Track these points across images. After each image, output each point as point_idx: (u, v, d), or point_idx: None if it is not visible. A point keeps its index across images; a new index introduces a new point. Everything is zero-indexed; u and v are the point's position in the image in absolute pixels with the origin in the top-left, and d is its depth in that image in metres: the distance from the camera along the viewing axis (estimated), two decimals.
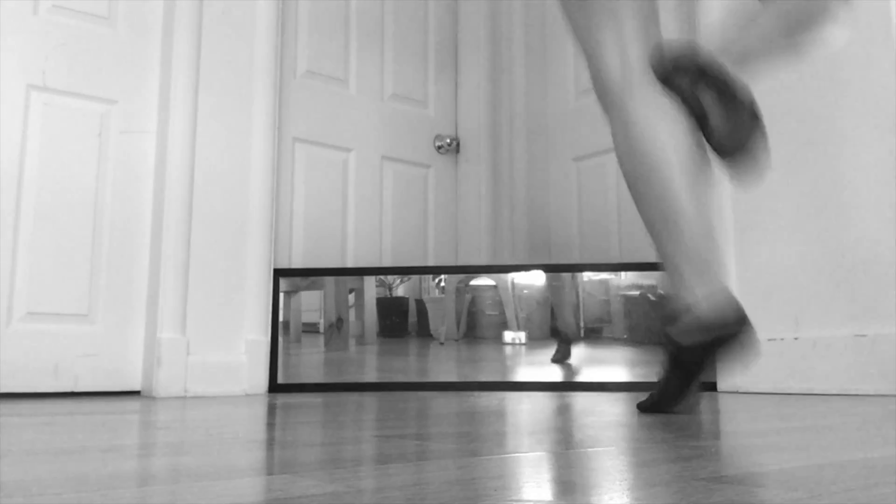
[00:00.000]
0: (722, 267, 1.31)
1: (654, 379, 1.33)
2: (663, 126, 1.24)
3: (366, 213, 2.79)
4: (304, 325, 2.41)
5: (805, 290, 1.99)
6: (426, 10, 3.08)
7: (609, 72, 1.32)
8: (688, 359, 1.25)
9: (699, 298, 1.21)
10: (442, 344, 2.38)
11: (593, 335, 2.32)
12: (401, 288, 2.45)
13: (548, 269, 2.39)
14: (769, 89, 2.10)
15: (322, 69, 2.73)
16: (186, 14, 2.20)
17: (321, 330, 2.41)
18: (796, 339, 1.98)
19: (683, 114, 1.23)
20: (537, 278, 2.38)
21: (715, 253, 1.24)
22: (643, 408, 1.34)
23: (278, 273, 2.38)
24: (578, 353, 2.31)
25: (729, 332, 1.19)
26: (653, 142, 1.24)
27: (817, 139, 2.00)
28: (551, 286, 2.36)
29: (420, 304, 2.42)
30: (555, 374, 2.29)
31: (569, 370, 2.29)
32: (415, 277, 2.45)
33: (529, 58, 3.09)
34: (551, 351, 2.32)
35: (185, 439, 0.93)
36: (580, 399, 1.79)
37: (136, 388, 2.12)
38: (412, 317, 2.42)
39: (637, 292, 2.31)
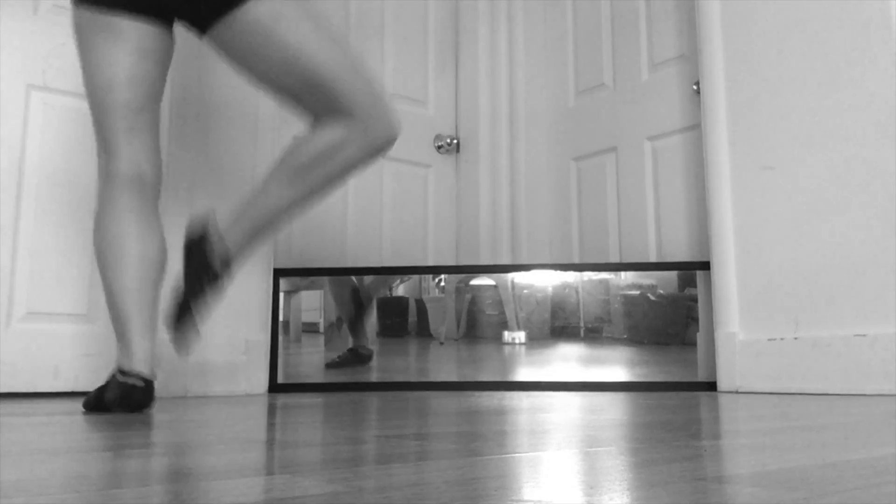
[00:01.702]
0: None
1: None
2: (130, 229, 1.51)
3: (366, 213, 2.79)
4: (304, 324, 2.41)
5: (805, 290, 1.99)
6: (426, 10, 3.08)
7: (100, 160, 1.55)
8: None
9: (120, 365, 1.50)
10: (442, 344, 2.38)
11: (593, 335, 2.32)
12: (401, 288, 2.45)
13: (548, 269, 2.39)
14: (769, 88, 2.10)
15: None
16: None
17: (321, 330, 2.41)
18: (796, 339, 1.98)
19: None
20: (537, 278, 2.38)
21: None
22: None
23: (278, 273, 2.38)
24: (579, 352, 2.31)
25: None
26: (120, 245, 1.50)
27: (817, 139, 2.00)
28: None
29: (420, 303, 2.42)
30: (555, 374, 2.29)
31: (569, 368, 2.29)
32: (415, 277, 2.45)
33: (529, 58, 3.09)
34: (551, 351, 2.33)
35: (185, 439, 0.93)
36: (580, 399, 1.79)
37: None
38: (412, 317, 2.42)
39: (637, 292, 2.31)
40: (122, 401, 1.41)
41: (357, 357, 2.38)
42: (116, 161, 1.51)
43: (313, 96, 1.49)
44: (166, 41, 1.55)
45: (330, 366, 2.37)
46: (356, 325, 2.39)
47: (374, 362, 2.38)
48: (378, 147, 1.52)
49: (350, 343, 2.39)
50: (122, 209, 1.51)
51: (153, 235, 1.53)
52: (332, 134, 1.49)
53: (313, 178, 1.50)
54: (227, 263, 1.54)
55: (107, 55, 1.48)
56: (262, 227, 1.54)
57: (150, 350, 1.49)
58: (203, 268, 1.52)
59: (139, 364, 1.46)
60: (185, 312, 1.54)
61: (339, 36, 1.56)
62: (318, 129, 1.51)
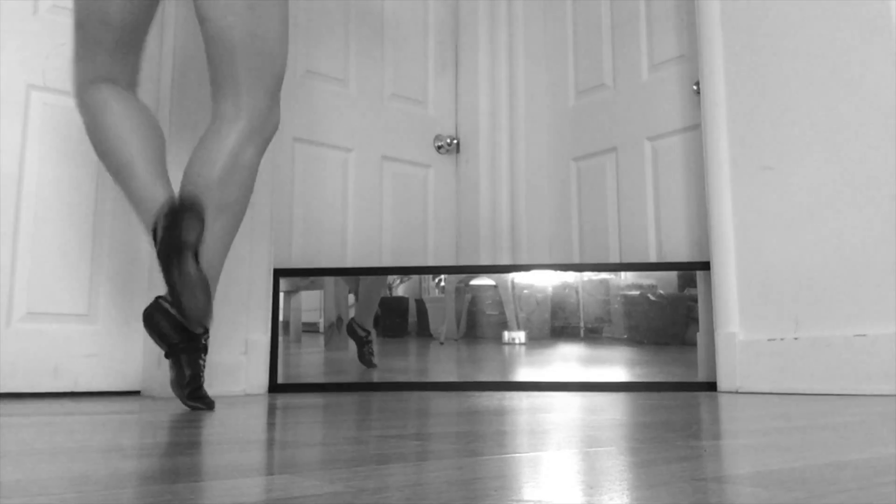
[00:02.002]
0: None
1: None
2: (119, 115, 1.53)
3: (366, 213, 2.79)
4: (304, 324, 2.41)
5: (805, 290, 1.99)
6: (426, 10, 3.08)
7: (80, 76, 1.57)
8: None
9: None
10: (442, 344, 2.38)
11: (593, 335, 2.32)
12: (401, 288, 2.45)
13: (548, 269, 2.39)
14: (769, 88, 2.10)
15: (322, 69, 2.73)
16: (185, 12, 2.20)
17: (321, 330, 2.41)
18: (796, 339, 1.98)
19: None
20: (537, 278, 2.38)
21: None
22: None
23: (278, 273, 2.38)
24: (579, 352, 2.31)
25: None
26: (112, 131, 1.52)
27: (817, 139, 2.00)
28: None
29: (420, 303, 2.42)
30: (555, 374, 2.29)
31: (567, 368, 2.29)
32: (415, 277, 2.45)
33: (529, 58, 3.09)
34: (551, 351, 2.33)
35: (184, 439, 0.93)
36: (580, 399, 1.79)
37: (136, 388, 2.12)
38: (412, 317, 2.42)
39: (637, 292, 2.31)
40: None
41: (352, 332, 2.38)
42: (102, 70, 1.56)
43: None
44: None
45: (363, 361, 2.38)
46: (364, 303, 2.41)
47: (375, 362, 2.38)
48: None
49: (350, 316, 2.39)
50: (112, 99, 1.53)
51: (149, 114, 1.57)
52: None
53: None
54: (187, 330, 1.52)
55: None
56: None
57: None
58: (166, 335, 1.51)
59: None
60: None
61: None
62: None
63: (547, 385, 2.27)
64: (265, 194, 2.30)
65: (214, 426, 1.11)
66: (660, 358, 2.25)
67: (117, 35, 1.55)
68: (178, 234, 1.37)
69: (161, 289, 1.62)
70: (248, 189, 1.57)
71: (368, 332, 2.38)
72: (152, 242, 1.47)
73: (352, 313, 2.40)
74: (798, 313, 1.99)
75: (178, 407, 1.58)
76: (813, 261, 1.98)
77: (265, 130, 1.59)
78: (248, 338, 2.22)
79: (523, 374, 2.31)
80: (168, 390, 2.05)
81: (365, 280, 2.41)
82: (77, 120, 2.11)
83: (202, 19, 1.53)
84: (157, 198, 1.46)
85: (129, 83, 1.60)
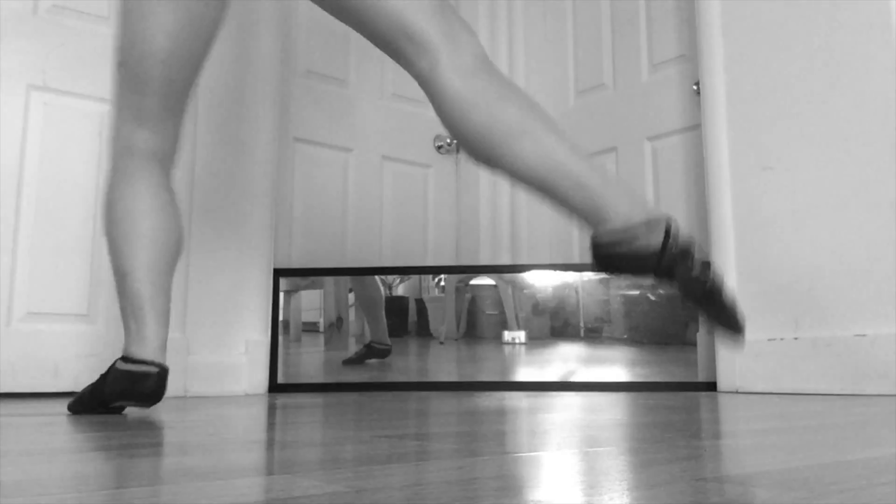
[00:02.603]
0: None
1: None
2: (138, 204, 1.37)
3: (366, 213, 2.79)
4: (304, 324, 2.41)
5: (805, 290, 1.99)
6: None
7: (118, 134, 1.40)
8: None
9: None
10: (442, 343, 2.38)
11: (593, 335, 2.32)
12: (401, 288, 2.45)
13: (548, 268, 2.39)
14: (769, 88, 2.10)
15: (322, 69, 2.73)
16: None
17: (321, 330, 2.41)
18: (796, 339, 1.98)
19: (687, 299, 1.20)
20: (537, 278, 2.38)
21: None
22: (73, 408, 1.39)
23: (278, 273, 2.38)
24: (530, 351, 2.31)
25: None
26: (126, 224, 1.37)
27: (817, 139, 2.00)
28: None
29: (420, 303, 2.42)
30: (555, 374, 2.29)
31: (560, 369, 2.29)
32: (415, 277, 2.45)
33: (529, 58, 3.09)
34: (551, 351, 2.32)
35: (185, 439, 0.93)
36: (580, 399, 1.79)
37: None
38: (412, 316, 2.42)
39: (637, 292, 2.31)
40: (129, 391, 1.28)
41: (373, 352, 2.37)
42: (142, 133, 1.36)
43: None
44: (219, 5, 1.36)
45: (347, 363, 2.36)
46: (374, 320, 2.40)
47: (375, 362, 2.38)
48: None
49: (367, 339, 2.39)
50: (140, 184, 1.35)
51: (173, 214, 1.38)
52: None
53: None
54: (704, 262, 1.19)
55: (154, 19, 1.31)
56: None
57: (164, 338, 1.35)
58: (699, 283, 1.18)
59: (154, 352, 1.32)
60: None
61: None
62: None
63: (547, 385, 2.27)
64: (265, 194, 2.30)
65: (214, 426, 1.11)
66: (660, 358, 2.25)
67: (167, 71, 1.33)
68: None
69: None
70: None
71: (389, 345, 2.37)
72: None
73: (366, 331, 2.40)
74: (798, 313, 1.99)
75: (178, 407, 1.59)
76: (813, 261, 1.98)
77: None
78: (248, 338, 2.22)
79: (523, 374, 2.31)
80: (171, 390, 2.05)
81: (362, 297, 2.41)
82: (77, 120, 2.11)
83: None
84: (150, 337, 1.34)
85: (168, 155, 1.41)
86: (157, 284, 1.36)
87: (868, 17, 1.91)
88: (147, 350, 1.32)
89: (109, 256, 1.41)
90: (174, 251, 1.39)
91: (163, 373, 1.31)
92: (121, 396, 1.29)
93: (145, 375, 1.29)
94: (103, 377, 1.36)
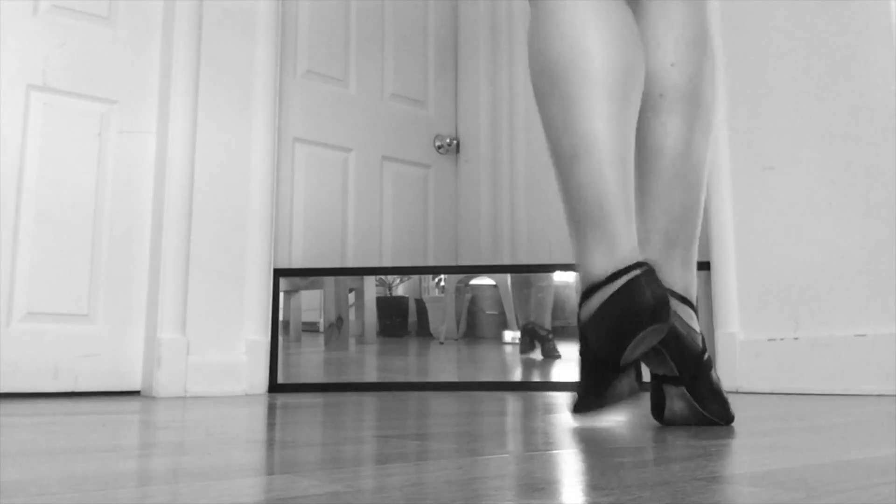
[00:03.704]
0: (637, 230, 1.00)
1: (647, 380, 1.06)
2: (593, 26, 0.95)
3: (366, 213, 2.79)
4: (304, 324, 2.41)
5: (805, 290, 1.99)
6: (426, 10, 3.08)
7: None
8: (595, 351, 0.96)
9: (604, 271, 0.93)
10: (442, 344, 2.38)
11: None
12: (401, 288, 2.45)
13: (548, 269, 2.39)
14: (769, 88, 2.10)
15: (322, 69, 2.73)
16: (186, 14, 2.20)
17: (321, 330, 2.41)
18: (796, 339, 1.98)
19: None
20: (537, 278, 2.38)
21: (629, 208, 0.95)
22: (574, 410, 1.05)
23: (278, 273, 2.38)
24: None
25: (639, 325, 0.91)
26: (574, 43, 0.94)
27: (817, 139, 2.00)
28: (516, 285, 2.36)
29: (420, 303, 2.42)
30: (554, 374, 2.29)
31: (536, 364, 2.29)
32: (415, 277, 2.45)
33: None
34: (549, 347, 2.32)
35: (185, 439, 0.93)
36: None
37: (136, 388, 2.12)
38: (412, 316, 2.42)
39: None
40: (632, 315, 0.90)
41: (539, 339, 2.35)
42: None
43: None
44: None
45: (524, 353, 2.33)
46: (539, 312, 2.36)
47: (375, 362, 2.38)
48: None
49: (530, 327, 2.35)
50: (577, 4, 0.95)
51: (633, 42, 0.96)
52: None
53: None
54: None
55: None
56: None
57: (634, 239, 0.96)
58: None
59: (631, 252, 0.94)
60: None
61: None
62: None
63: (547, 385, 2.27)
64: (265, 194, 2.30)
65: (215, 426, 1.11)
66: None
67: None
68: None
69: None
70: None
71: (549, 331, 2.35)
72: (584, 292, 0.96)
73: (524, 315, 2.36)
74: (798, 313, 1.99)
75: (178, 407, 1.59)
76: (813, 261, 1.98)
77: None
78: (248, 338, 2.22)
79: (523, 374, 2.31)
80: (168, 390, 2.05)
81: (538, 284, 2.38)
82: (77, 120, 2.11)
83: None
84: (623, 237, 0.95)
85: None
86: (623, 159, 0.95)
87: (868, 17, 1.91)
88: (628, 252, 0.94)
89: (545, 120, 0.99)
90: (637, 94, 0.97)
91: (650, 272, 0.92)
92: (623, 330, 0.91)
93: (636, 284, 0.90)
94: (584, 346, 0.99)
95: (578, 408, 1.03)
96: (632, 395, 0.99)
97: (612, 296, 0.92)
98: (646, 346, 0.95)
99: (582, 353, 1.01)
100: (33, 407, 1.56)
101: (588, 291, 0.96)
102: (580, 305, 0.98)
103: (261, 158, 2.30)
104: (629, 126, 0.97)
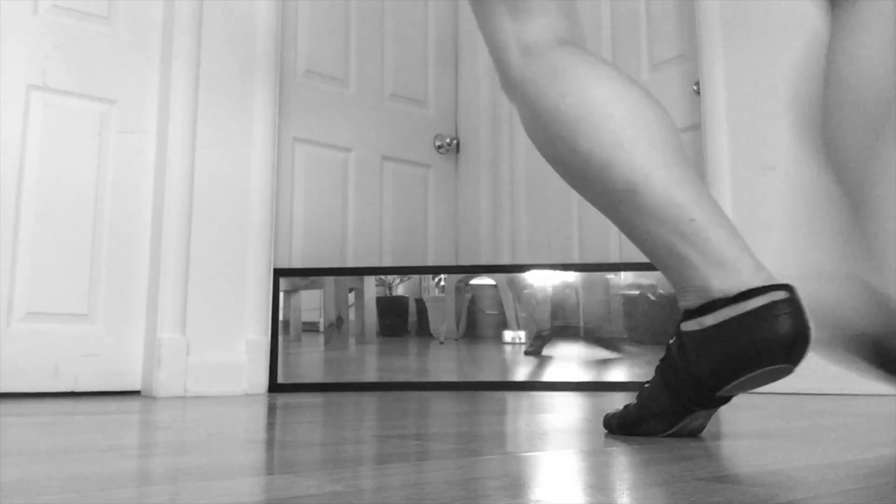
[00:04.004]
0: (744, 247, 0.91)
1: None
2: (587, 77, 0.92)
3: (366, 213, 2.79)
4: (304, 324, 2.41)
5: (805, 289, 1.99)
6: (426, 10, 3.08)
7: (506, 47, 0.97)
8: (690, 382, 0.86)
9: (732, 287, 0.84)
10: (442, 343, 2.38)
11: (593, 335, 2.32)
12: (401, 287, 2.45)
13: (548, 269, 2.39)
14: (769, 88, 2.10)
15: (322, 69, 2.73)
16: (186, 14, 2.20)
17: (321, 330, 2.41)
18: None
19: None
20: (537, 278, 2.38)
21: (726, 219, 0.90)
22: (612, 426, 0.96)
23: (278, 273, 2.38)
24: (554, 349, 2.31)
25: (766, 360, 0.80)
26: (574, 99, 0.91)
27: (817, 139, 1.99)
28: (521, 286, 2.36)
29: (420, 303, 2.42)
30: (554, 374, 2.29)
31: (545, 365, 2.29)
32: (415, 277, 2.45)
33: None
34: (551, 351, 2.32)
35: (185, 439, 0.93)
36: (580, 399, 1.79)
37: (136, 388, 2.12)
38: (412, 316, 2.42)
39: (637, 292, 2.31)
40: (768, 344, 0.80)
41: (544, 340, 2.35)
42: (532, 26, 0.95)
43: None
44: None
45: (528, 354, 2.33)
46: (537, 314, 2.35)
47: (375, 362, 2.38)
48: None
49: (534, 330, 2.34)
50: (585, 64, 0.92)
51: (647, 95, 0.93)
52: None
53: None
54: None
55: None
56: None
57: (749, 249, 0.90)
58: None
59: (761, 274, 0.88)
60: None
61: None
62: None
63: (547, 385, 2.27)
64: (265, 194, 2.30)
65: (215, 426, 1.11)
66: (660, 358, 2.25)
67: None
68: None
69: None
70: None
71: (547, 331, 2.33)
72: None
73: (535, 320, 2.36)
74: None
75: (178, 407, 1.59)
76: (812, 261, 1.98)
77: None
78: (248, 338, 2.22)
79: (523, 374, 2.31)
80: (168, 390, 2.06)
81: (536, 284, 2.38)
82: (77, 120, 2.11)
83: None
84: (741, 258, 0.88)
85: (581, 37, 0.98)
86: (690, 177, 0.90)
87: None
88: (754, 273, 0.87)
89: (580, 178, 0.93)
90: (678, 142, 0.93)
91: (794, 294, 0.87)
92: (743, 360, 0.81)
93: (776, 308, 0.82)
94: (670, 364, 0.90)
95: (628, 428, 0.93)
96: (695, 432, 0.91)
97: (739, 317, 0.81)
98: (759, 384, 0.82)
99: (670, 369, 0.89)
100: (33, 407, 1.56)
101: (707, 307, 0.84)
102: (688, 316, 0.87)
103: (261, 158, 2.30)
104: (683, 156, 0.92)
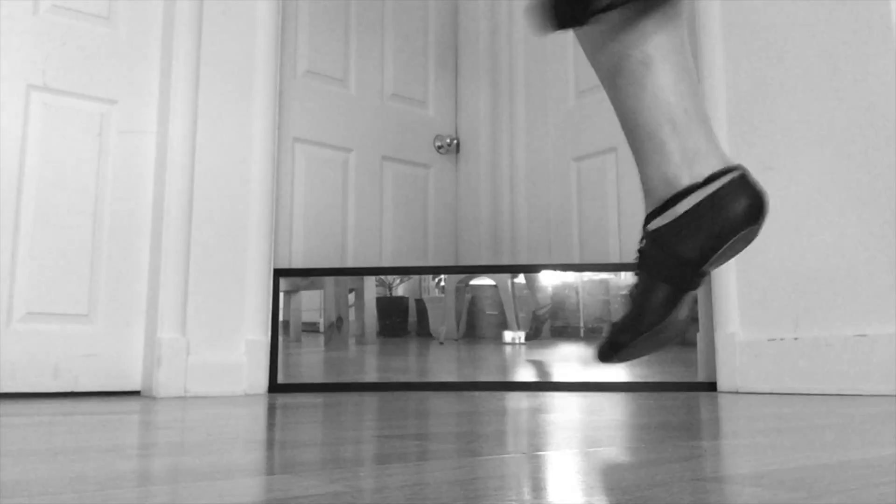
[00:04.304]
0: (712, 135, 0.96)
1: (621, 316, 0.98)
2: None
3: (366, 213, 2.79)
4: (304, 324, 2.41)
5: (805, 290, 1.99)
6: (426, 10, 3.08)
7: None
8: (678, 266, 0.94)
9: (698, 174, 0.91)
10: (442, 344, 2.38)
11: (593, 335, 2.32)
12: (401, 288, 2.45)
13: (548, 269, 2.39)
14: (769, 88, 2.10)
15: (322, 69, 2.73)
16: (186, 14, 2.20)
17: (321, 330, 2.41)
18: (796, 339, 1.98)
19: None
20: (537, 278, 2.38)
21: (702, 108, 0.95)
22: (606, 350, 0.99)
23: (278, 273, 2.38)
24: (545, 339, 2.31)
25: (739, 225, 0.89)
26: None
27: (817, 139, 1.99)
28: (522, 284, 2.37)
29: (420, 303, 2.42)
30: (554, 374, 2.29)
31: (544, 360, 2.29)
32: (415, 277, 2.45)
33: (529, 58, 3.09)
34: (551, 351, 2.32)
35: (185, 439, 0.93)
36: (580, 399, 1.79)
37: (136, 388, 2.12)
38: (412, 317, 2.42)
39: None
40: (757, 201, 0.89)
41: (539, 321, 2.34)
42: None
43: None
44: None
45: (528, 338, 2.33)
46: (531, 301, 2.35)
47: (375, 362, 2.38)
48: None
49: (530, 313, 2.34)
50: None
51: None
52: None
53: None
54: None
55: None
56: None
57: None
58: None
59: (723, 159, 0.92)
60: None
61: None
62: None
63: (547, 385, 2.27)
64: (265, 194, 2.30)
65: (214, 426, 1.11)
66: (659, 358, 2.25)
67: None
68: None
69: None
70: None
71: (544, 313, 2.32)
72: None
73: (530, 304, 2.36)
74: (798, 313, 1.99)
75: (178, 407, 1.59)
76: (813, 261, 1.98)
77: None
78: (248, 338, 2.22)
79: (523, 374, 2.31)
80: (168, 390, 2.05)
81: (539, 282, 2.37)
82: (77, 120, 2.11)
83: None
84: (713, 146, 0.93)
85: None
86: (692, 68, 0.97)
87: (868, 17, 1.91)
88: (721, 157, 0.92)
89: (612, 28, 0.95)
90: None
91: (746, 171, 0.92)
92: (721, 230, 0.90)
93: (738, 182, 0.90)
94: (647, 255, 0.97)
95: (629, 332, 0.96)
96: (684, 330, 0.98)
97: (710, 196, 0.90)
98: (738, 250, 0.93)
99: (654, 264, 0.95)
100: (33, 407, 1.56)
101: (674, 199, 0.93)
102: (652, 216, 0.95)
103: (261, 158, 2.30)
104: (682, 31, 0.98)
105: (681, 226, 0.93)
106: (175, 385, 2.07)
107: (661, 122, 0.93)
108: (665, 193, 0.94)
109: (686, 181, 0.92)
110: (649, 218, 0.96)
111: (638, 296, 0.98)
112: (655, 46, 0.94)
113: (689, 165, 0.92)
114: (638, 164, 0.97)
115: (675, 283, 0.95)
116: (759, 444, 0.83)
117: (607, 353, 0.98)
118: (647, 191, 0.96)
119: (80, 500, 0.51)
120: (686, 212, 0.92)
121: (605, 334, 1.02)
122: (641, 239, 0.98)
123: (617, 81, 0.97)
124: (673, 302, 0.96)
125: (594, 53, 0.98)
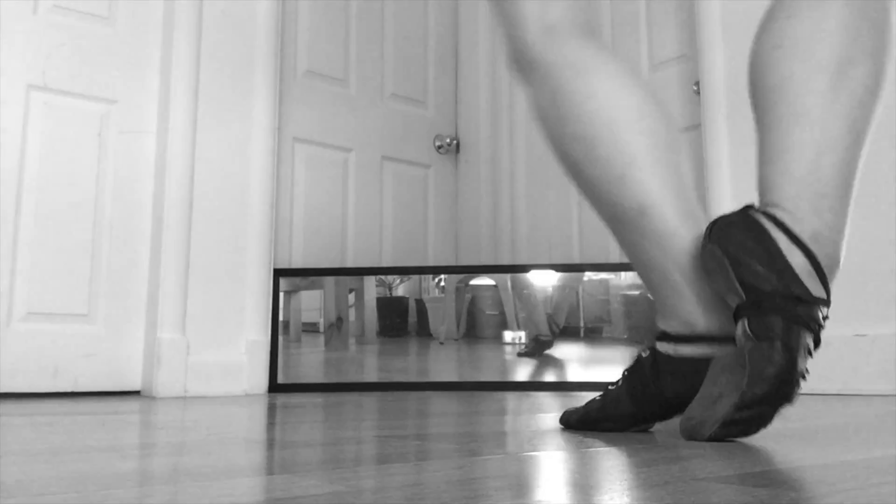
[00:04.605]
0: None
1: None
2: (613, 82, 0.93)
3: (366, 213, 2.79)
4: (304, 324, 2.41)
5: None
6: (426, 10, 3.08)
7: (526, 23, 0.95)
8: (668, 403, 0.92)
9: (712, 331, 0.88)
10: (442, 344, 2.38)
11: (593, 335, 2.32)
12: (401, 288, 2.45)
13: (548, 269, 2.38)
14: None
15: (322, 69, 2.73)
16: (186, 14, 2.20)
17: (321, 330, 2.41)
18: None
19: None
20: (537, 278, 2.38)
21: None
22: (571, 422, 1.00)
23: (278, 273, 2.38)
24: (556, 351, 2.31)
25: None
26: (599, 104, 0.91)
27: None
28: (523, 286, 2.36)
29: (420, 303, 2.42)
30: (554, 374, 2.29)
31: (542, 367, 2.29)
32: (415, 277, 2.45)
33: None
34: (551, 351, 2.32)
35: (185, 439, 0.93)
36: (580, 400, 1.79)
37: (136, 388, 2.12)
38: (412, 317, 2.42)
39: (637, 292, 2.31)
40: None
41: (541, 345, 2.35)
42: (555, 5, 0.95)
43: None
44: None
45: (521, 355, 2.33)
46: (535, 316, 2.35)
47: (375, 362, 2.38)
48: None
49: (533, 332, 2.34)
50: (609, 64, 0.94)
51: (651, 93, 0.96)
52: None
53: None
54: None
55: None
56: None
57: None
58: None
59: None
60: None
61: None
62: None
63: (547, 385, 2.27)
64: (265, 194, 2.30)
65: (215, 426, 1.11)
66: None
67: None
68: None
69: None
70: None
71: (551, 338, 2.32)
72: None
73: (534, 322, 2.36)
74: None
75: (178, 407, 1.59)
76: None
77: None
78: (248, 338, 2.22)
79: (523, 374, 2.31)
80: (168, 390, 2.05)
81: (522, 297, 2.37)
82: (77, 120, 2.11)
83: None
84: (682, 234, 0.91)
85: (592, 25, 0.99)
86: (697, 210, 0.95)
87: None
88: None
89: (574, 166, 0.93)
90: (676, 138, 0.96)
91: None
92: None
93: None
94: (639, 376, 0.93)
95: (588, 424, 0.97)
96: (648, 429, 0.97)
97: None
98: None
99: (638, 381, 0.93)
100: (33, 407, 1.56)
101: (688, 338, 0.89)
102: (665, 338, 0.91)
103: (261, 158, 2.30)
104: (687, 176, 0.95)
105: (679, 365, 0.89)
106: (175, 385, 2.07)
107: (670, 267, 0.90)
108: (678, 328, 0.91)
109: (702, 329, 0.89)
110: (662, 336, 0.92)
111: (609, 400, 0.96)
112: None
113: (706, 314, 0.88)
114: (652, 296, 0.95)
115: (644, 410, 0.92)
116: (759, 444, 0.83)
117: (569, 425, 1.00)
118: (663, 314, 0.93)
119: (80, 500, 0.51)
120: (690, 357, 0.89)
121: (578, 410, 1.00)
122: (647, 348, 0.95)
123: (617, 224, 0.94)
124: (635, 422, 0.95)
125: (590, 197, 0.96)
